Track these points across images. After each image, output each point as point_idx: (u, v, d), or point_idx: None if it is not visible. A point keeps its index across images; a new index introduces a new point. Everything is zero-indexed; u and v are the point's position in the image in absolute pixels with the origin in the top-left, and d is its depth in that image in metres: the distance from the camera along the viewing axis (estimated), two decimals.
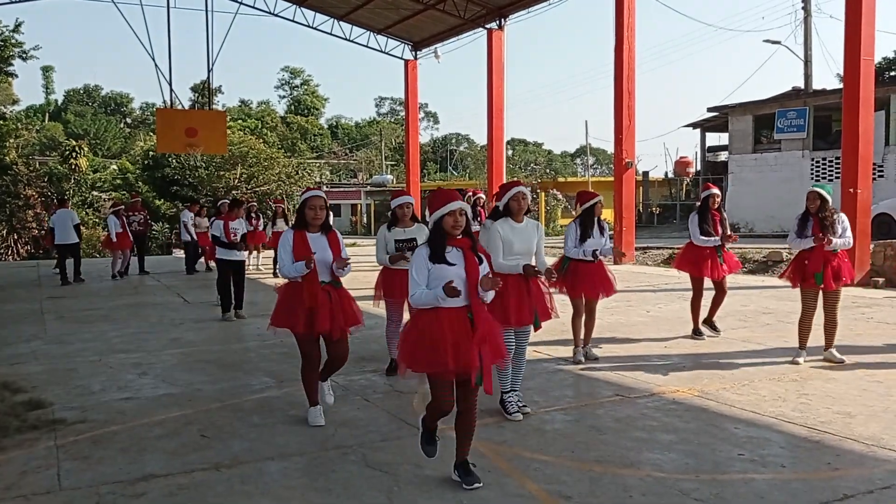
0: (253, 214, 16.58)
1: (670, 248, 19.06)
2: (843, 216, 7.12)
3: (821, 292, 7.07)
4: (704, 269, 8.38)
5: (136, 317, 10.79)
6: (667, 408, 5.61)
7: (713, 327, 8.57)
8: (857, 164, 12.85)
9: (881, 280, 12.79)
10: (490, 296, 4.18)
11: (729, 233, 8.28)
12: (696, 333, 8.47)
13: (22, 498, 4.11)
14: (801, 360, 7.06)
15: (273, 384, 6.70)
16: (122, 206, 17.23)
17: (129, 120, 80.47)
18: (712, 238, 8.25)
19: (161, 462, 4.66)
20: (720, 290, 8.54)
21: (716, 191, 8.47)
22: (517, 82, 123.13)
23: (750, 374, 6.63)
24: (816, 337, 7.60)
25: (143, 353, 8.13)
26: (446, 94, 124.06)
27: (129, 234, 16.50)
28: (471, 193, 13.62)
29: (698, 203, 8.59)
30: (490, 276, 4.10)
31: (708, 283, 8.52)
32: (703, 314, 8.56)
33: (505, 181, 22.62)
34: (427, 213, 6.22)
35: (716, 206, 8.38)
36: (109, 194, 38.65)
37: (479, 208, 13.11)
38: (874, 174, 22.90)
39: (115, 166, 43.56)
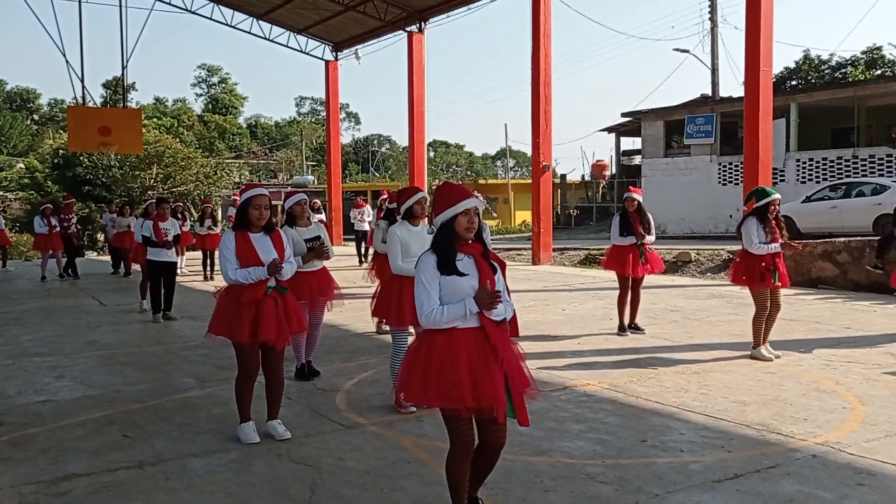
0: (179, 215, 16.21)
1: (586, 249, 19.68)
2: None
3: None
4: (627, 267, 8.79)
5: (50, 320, 10.56)
6: (578, 400, 5.93)
7: (636, 328, 8.96)
8: (759, 169, 13.56)
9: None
10: (498, 312, 3.44)
11: (642, 232, 8.72)
12: (622, 330, 8.85)
13: None
14: (767, 353, 7.36)
15: (195, 385, 6.73)
16: (50, 207, 16.94)
17: (36, 117, 77.32)
18: (629, 237, 8.67)
19: (83, 462, 4.69)
20: (635, 290, 8.94)
21: (633, 195, 8.90)
22: (439, 85, 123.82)
23: (656, 369, 7.02)
24: (715, 334, 8.09)
25: (59, 357, 8.01)
26: (368, 94, 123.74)
27: (59, 235, 16.14)
28: (385, 196, 13.82)
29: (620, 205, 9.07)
30: (489, 290, 3.37)
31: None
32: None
33: (413, 184, 22.88)
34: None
35: (633, 208, 8.81)
36: (16, 194, 37.19)
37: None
38: (776, 179, 24.22)
39: (21, 165, 41.86)
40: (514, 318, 3.79)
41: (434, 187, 35.00)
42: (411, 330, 5.80)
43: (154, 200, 11.44)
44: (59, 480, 4.36)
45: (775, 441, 4.85)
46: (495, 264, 3.57)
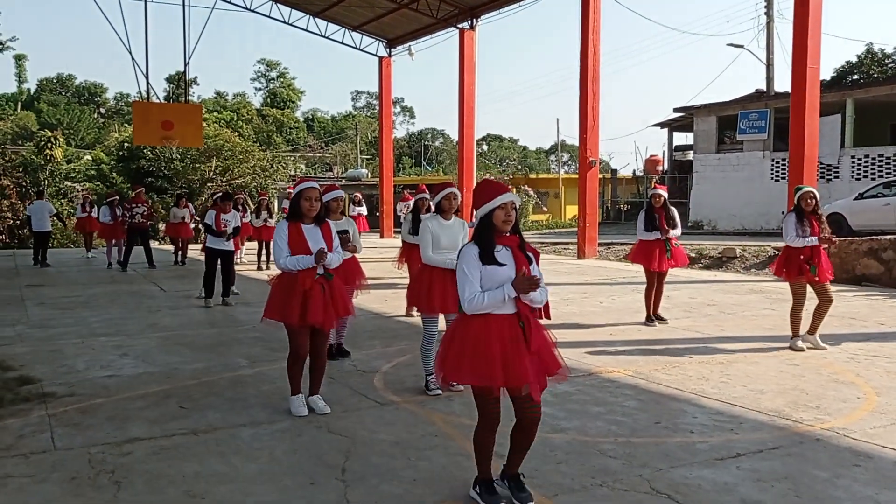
0: (240, 206, 16.65)
1: (632, 244, 19.77)
2: None
3: (808, 284, 7.74)
4: (653, 261, 9.11)
5: (115, 304, 11.26)
6: (601, 385, 6.25)
7: (660, 318, 9.26)
8: (804, 165, 13.56)
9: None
10: (535, 297, 3.74)
11: (666, 228, 9.02)
12: (649, 321, 9.18)
13: (21, 457, 4.63)
14: (802, 343, 7.69)
15: (246, 364, 7.24)
16: (117, 198, 17.89)
17: (102, 110, 79.96)
18: (654, 233, 8.99)
19: (144, 428, 5.21)
20: (659, 283, 9.26)
21: (659, 191, 9.22)
22: (493, 79, 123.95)
23: (682, 358, 7.29)
24: (747, 328, 8.29)
25: (123, 337, 8.63)
26: (423, 89, 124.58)
27: (122, 226, 16.90)
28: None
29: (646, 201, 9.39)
30: (526, 276, 3.64)
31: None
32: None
33: (476, 177, 23.26)
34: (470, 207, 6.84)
35: (659, 204, 9.10)
36: (83, 185, 38.74)
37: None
38: (830, 175, 23.93)
39: (89, 157, 43.53)
40: (546, 304, 4.01)
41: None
42: (441, 317, 6.18)
43: (221, 194, 12.11)
44: (122, 443, 4.88)
45: (783, 426, 5.11)
46: (530, 254, 3.82)
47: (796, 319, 7.82)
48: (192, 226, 18.61)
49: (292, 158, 50.94)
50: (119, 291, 12.77)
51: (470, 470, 4.32)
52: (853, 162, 23.62)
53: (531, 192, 36.63)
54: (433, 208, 6.30)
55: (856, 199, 20.03)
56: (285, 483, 4.20)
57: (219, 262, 10.90)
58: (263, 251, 16.06)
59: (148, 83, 20.93)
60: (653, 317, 9.24)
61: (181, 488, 4.12)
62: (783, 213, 7.24)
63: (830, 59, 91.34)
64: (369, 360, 7.34)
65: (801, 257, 7.63)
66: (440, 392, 5.94)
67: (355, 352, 7.55)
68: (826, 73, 47.24)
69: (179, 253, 17.57)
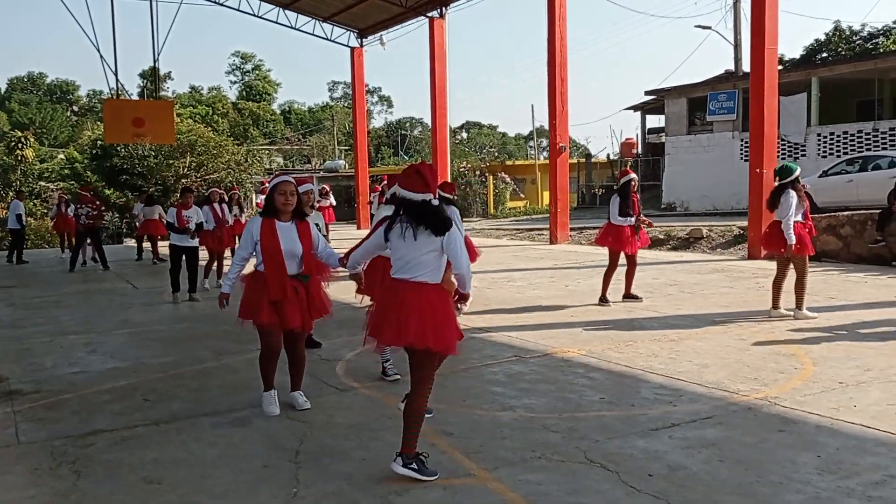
0: (234, 204, 16.13)
1: None
2: None
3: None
4: (624, 244, 9.40)
5: (87, 302, 11.39)
6: (554, 364, 6.50)
7: (634, 297, 9.58)
8: (763, 145, 13.85)
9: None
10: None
11: (643, 217, 9.51)
12: (604, 301, 9.48)
13: None
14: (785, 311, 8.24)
15: (212, 357, 7.41)
16: (64, 196, 18.04)
17: (75, 108, 79.30)
18: (629, 218, 9.32)
19: (108, 421, 5.38)
20: (633, 264, 9.60)
21: (634, 176, 9.55)
22: (471, 66, 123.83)
23: (636, 337, 7.54)
24: (704, 306, 8.57)
25: (93, 334, 8.77)
26: (400, 78, 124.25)
27: (71, 223, 17.14)
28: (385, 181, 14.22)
29: (615, 186, 9.64)
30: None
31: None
32: (615, 287, 9.57)
33: (437, 166, 23.39)
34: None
35: (635, 189, 9.39)
36: (57, 184, 38.55)
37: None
38: (797, 153, 24.31)
39: (62, 156, 43.29)
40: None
41: (461, 169, 35.36)
42: None
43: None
44: (85, 435, 5.06)
45: (719, 396, 5.37)
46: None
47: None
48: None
49: (268, 152, 50.80)
50: (91, 290, 12.88)
51: (420, 447, 4.54)
52: (819, 140, 24.00)
53: (508, 179, 36.83)
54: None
55: (820, 176, 20.37)
56: (241, 466, 4.40)
57: (183, 258, 11.01)
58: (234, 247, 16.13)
59: (117, 80, 20.92)
60: (623, 300, 9.59)
61: (139, 474, 4.31)
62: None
63: (800, 37, 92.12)
64: (334, 349, 7.54)
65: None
66: (398, 377, 6.14)
67: (322, 341, 7.74)
68: (795, 52, 47.80)
69: (151, 251, 17.62)
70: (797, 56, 39.41)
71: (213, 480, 4.18)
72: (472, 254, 8.15)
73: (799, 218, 8.13)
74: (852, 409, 5.00)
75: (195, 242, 11.10)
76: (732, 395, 5.39)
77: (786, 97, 23.98)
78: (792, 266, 8.28)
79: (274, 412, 5.31)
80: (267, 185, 6.57)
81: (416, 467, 4.05)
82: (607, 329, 7.99)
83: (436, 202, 4.13)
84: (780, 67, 30.40)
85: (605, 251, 10.00)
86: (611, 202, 9.64)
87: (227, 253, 13.14)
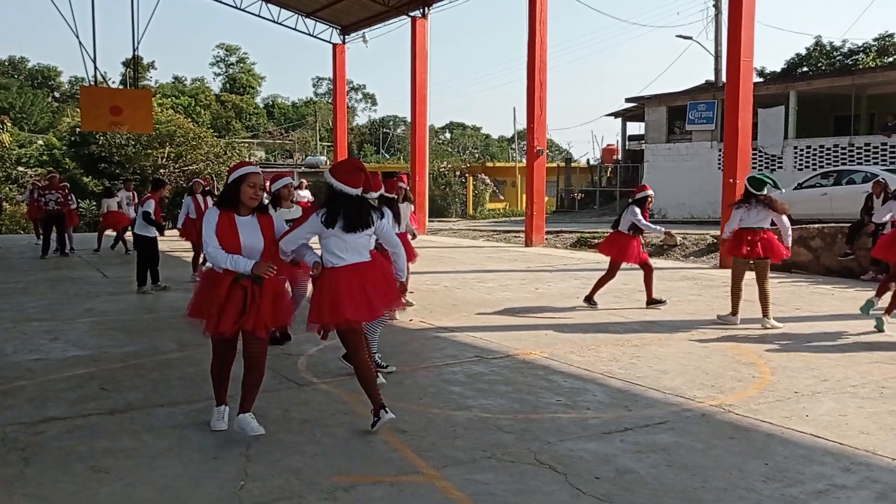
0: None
1: (580, 232, 20.17)
2: None
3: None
4: (630, 256, 9.59)
5: (54, 290, 11.27)
6: (514, 366, 6.52)
7: (658, 301, 9.69)
8: (737, 156, 13.98)
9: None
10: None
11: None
12: (590, 302, 9.69)
13: None
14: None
15: (176, 348, 7.37)
16: (35, 183, 17.82)
17: (56, 94, 78.46)
18: (654, 228, 9.62)
19: (62, 409, 5.34)
20: (650, 270, 9.76)
21: (651, 192, 9.75)
22: (456, 66, 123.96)
23: (600, 341, 7.59)
24: (671, 312, 8.64)
25: (56, 322, 8.69)
26: (384, 76, 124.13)
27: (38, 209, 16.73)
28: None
29: (631, 200, 9.73)
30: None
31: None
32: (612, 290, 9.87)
33: (430, 166, 23.37)
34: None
35: (650, 205, 9.65)
36: (35, 170, 38.12)
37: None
38: (774, 165, 24.55)
39: (41, 142, 42.81)
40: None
41: (441, 169, 35.34)
42: None
43: (153, 181, 12.14)
44: (38, 423, 5.01)
45: (675, 402, 5.42)
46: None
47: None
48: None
49: (247, 145, 50.54)
50: (60, 277, 12.76)
51: (372, 443, 4.56)
52: (796, 152, 24.25)
53: (488, 181, 36.94)
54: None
55: (795, 188, 20.60)
56: (191, 457, 4.38)
57: (148, 249, 10.92)
58: None
59: (95, 67, 20.75)
60: (594, 300, 9.71)
61: (88, 463, 4.27)
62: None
63: (782, 51, 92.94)
64: (298, 343, 7.50)
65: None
66: (394, 368, 6.25)
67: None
68: (777, 66, 48.26)
69: (119, 241, 17.48)
70: (778, 69, 39.81)
71: (160, 471, 4.16)
72: (410, 254, 8.32)
73: (767, 225, 8.43)
74: (804, 419, 5.06)
75: (156, 233, 10.98)
76: (688, 402, 5.44)
77: (764, 109, 24.23)
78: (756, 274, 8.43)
79: (221, 427, 4.83)
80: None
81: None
82: (572, 333, 8.03)
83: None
84: (760, 80, 30.82)
85: (579, 255, 10.05)
86: (626, 212, 9.58)
87: None
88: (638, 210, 9.45)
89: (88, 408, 5.36)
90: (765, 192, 8.38)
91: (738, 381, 6.02)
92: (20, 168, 36.13)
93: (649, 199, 9.63)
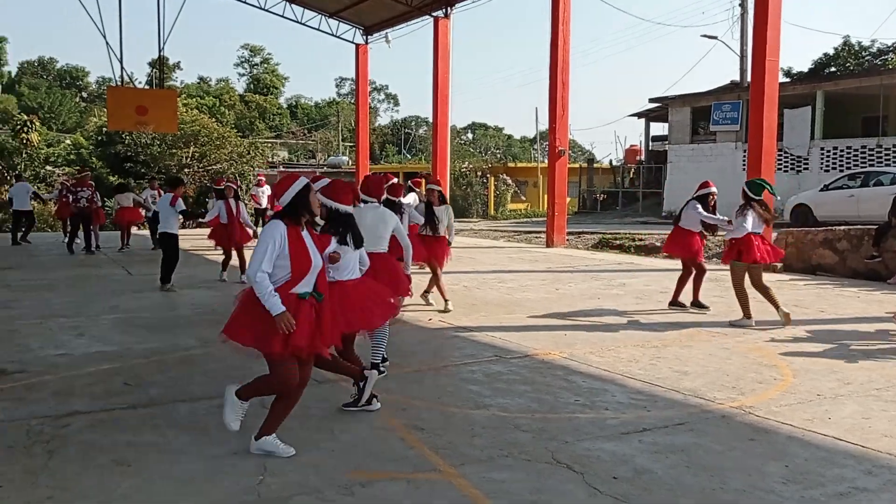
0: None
1: (602, 233, 20.09)
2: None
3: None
4: (697, 253, 9.52)
5: (79, 286, 11.42)
6: (533, 366, 6.51)
7: (701, 305, 9.50)
8: (762, 157, 13.86)
9: (780, 265, 13.86)
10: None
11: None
12: (676, 305, 9.55)
13: None
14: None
15: (197, 345, 7.45)
16: (63, 182, 18.16)
17: (84, 94, 79.47)
18: (719, 219, 9.32)
19: (86, 403, 5.42)
20: (701, 271, 9.60)
21: (714, 189, 9.55)
22: (478, 67, 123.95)
23: (620, 342, 7.56)
24: (691, 313, 8.60)
25: (82, 318, 8.80)
26: (407, 76, 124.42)
27: (67, 207, 17.26)
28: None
29: (693, 196, 9.58)
30: None
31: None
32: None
33: (451, 166, 23.39)
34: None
35: (713, 202, 9.43)
36: (63, 169, 38.65)
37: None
38: (800, 167, 24.30)
39: (68, 141, 43.39)
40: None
41: (462, 169, 35.32)
42: None
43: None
44: (62, 416, 5.09)
45: (695, 404, 5.39)
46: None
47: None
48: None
49: (269, 145, 50.88)
50: (86, 275, 12.92)
51: (389, 441, 4.59)
52: (822, 153, 23.99)
53: (509, 181, 36.87)
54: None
55: (821, 190, 20.40)
56: (211, 453, 4.43)
57: (172, 246, 11.02)
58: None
59: (122, 67, 21.07)
60: (698, 302, 9.52)
61: (110, 456, 4.34)
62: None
63: (809, 51, 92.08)
64: None
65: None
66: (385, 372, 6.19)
67: None
68: (804, 65, 47.75)
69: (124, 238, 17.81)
70: (805, 69, 39.37)
71: (181, 466, 4.21)
72: (418, 252, 8.42)
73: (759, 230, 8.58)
74: (826, 422, 5.01)
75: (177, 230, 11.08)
76: (708, 403, 5.40)
77: (790, 110, 23.99)
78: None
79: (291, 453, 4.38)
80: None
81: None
82: (591, 333, 8.00)
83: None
84: (786, 80, 30.48)
85: (609, 257, 10.00)
86: (687, 208, 9.45)
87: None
88: (699, 205, 9.35)
89: (112, 402, 5.43)
90: (762, 197, 8.53)
91: (759, 383, 5.97)
92: (48, 167, 36.66)
93: (712, 195, 9.45)
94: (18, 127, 32.94)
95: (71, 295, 10.58)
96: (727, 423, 4.98)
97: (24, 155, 32.28)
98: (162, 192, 18.12)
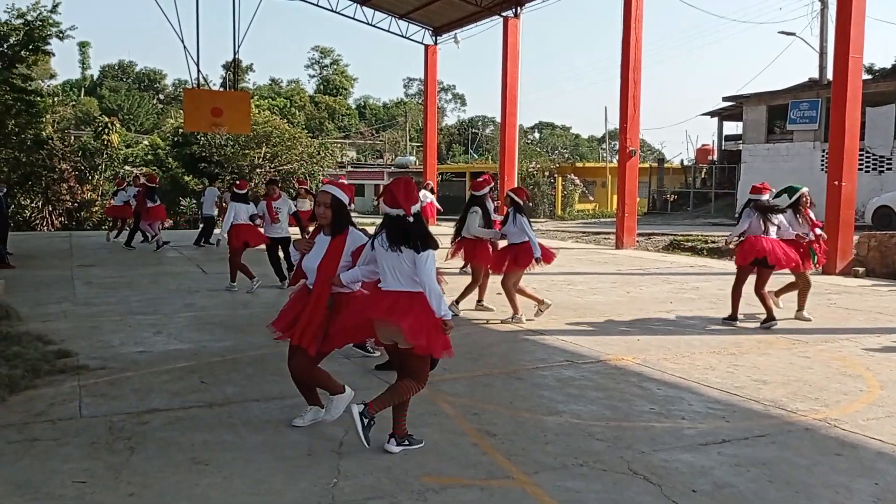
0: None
1: (673, 235, 19.69)
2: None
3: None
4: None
5: (156, 284, 11.75)
6: (606, 371, 6.40)
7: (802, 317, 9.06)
8: (843, 157, 13.36)
9: (861, 270, 13.35)
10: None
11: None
12: (732, 319, 8.79)
13: (49, 423, 5.01)
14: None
15: (271, 344, 7.53)
16: (125, 181, 18.78)
17: (161, 96, 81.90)
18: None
19: (165, 400, 5.55)
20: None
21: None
22: (546, 67, 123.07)
23: (695, 348, 7.37)
24: (784, 320, 8.36)
25: (159, 316, 9.05)
26: (475, 76, 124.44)
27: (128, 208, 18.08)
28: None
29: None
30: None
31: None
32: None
33: (505, 166, 23.24)
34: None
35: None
36: (140, 168, 39.92)
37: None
38: (882, 167, 23.37)
39: (146, 142, 44.78)
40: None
41: (530, 169, 35.12)
42: None
43: (273, 186, 12.41)
44: (142, 413, 5.23)
45: (776, 415, 5.21)
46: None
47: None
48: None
49: (339, 146, 51.54)
50: (163, 273, 13.29)
51: (461, 445, 4.56)
52: None
53: (577, 181, 36.48)
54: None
55: None
56: (286, 453, 4.48)
57: (279, 248, 11.22)
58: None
59: (199, 70, 21.56)
60: (737, 316, 8.84)
61: (188, 455, 4.43)
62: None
63: (893, 47, 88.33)
64: None
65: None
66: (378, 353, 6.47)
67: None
68: (887, 62, 45.83)
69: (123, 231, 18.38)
70: (888, 66, 37.81)
71: (256, 465, 4.27)
72: (548, 256, 8.77)
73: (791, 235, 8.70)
74: None
75: (287, 232, 11.23)
76: (790, 415, 5.21)
77: (873, 108, 23.08)
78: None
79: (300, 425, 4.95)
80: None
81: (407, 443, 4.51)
82: (665, 338, 7.83)
83: (410, 218, 4.41)
84: (868, 77, 29.31)
85: (672, 258, 9.79)
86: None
87: None
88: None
89: (189, 400, 5.55)
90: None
91: (844, 395, 5.73)
92: (126, 167, 37.92)
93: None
94: (100, 128, 34.12)
95: (149, 292, 10.89)
96: (811, 436, 4.79)
97: (104, 155, 33.44)
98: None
